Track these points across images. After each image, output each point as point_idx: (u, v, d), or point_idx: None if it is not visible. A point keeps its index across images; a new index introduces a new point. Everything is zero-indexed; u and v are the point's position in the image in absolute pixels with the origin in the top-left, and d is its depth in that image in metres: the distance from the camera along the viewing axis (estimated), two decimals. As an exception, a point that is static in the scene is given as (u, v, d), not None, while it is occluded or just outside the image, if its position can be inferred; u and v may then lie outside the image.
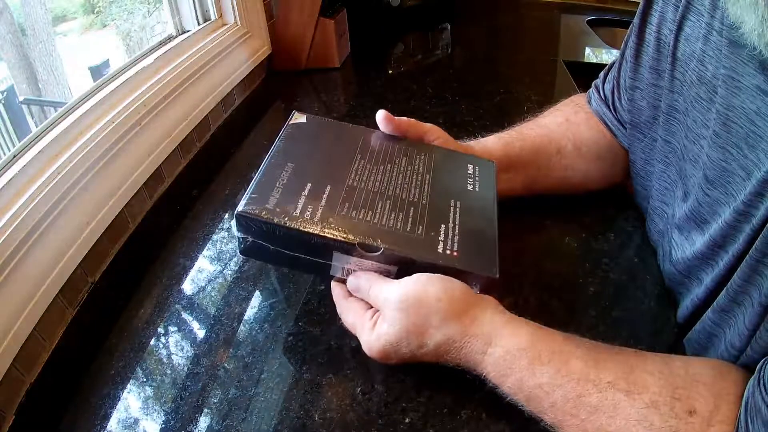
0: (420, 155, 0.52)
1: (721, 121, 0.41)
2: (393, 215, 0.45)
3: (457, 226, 0.46)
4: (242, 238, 0.44)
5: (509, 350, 0.39)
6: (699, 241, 0.46)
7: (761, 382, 0.34)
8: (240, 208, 0.43)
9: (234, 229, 0.44)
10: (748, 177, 0.40)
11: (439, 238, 0.44)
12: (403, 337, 0.41)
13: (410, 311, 0.40)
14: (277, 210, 0.43)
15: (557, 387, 0.38)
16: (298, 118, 0.53)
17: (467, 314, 0.41)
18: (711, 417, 0.34)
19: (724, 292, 0.42)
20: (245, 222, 0.43)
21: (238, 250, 0.47)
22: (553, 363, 0.38)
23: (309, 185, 0.46)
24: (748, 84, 0.39)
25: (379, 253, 0.43)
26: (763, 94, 0.38)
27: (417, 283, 0.41)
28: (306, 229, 0.42)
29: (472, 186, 0.50)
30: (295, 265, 0.47)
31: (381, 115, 0.52)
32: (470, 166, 0.52)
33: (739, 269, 0.40)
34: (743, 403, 0.34)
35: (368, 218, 0.44)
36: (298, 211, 0.43)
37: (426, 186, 0.49)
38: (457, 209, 0.47)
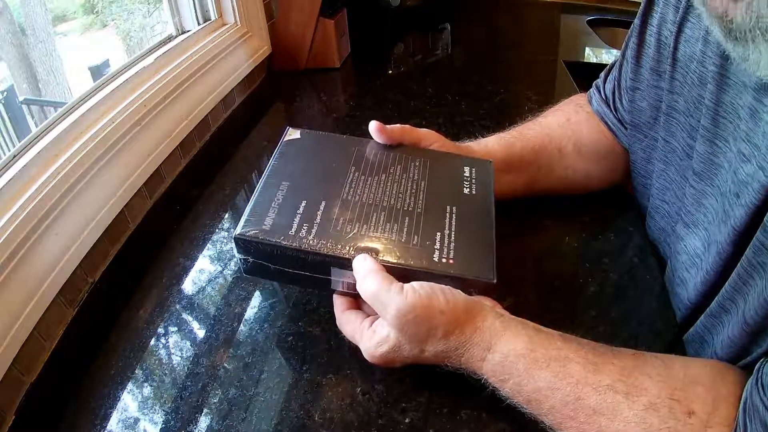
0: (415, 162, 0.52)
1: (711, 116, 0.42)
2: (388, 226, 0.45)
3: (453, 233, 0.46)
4: (243, 259, 0.45)
5: (507, 355, 0.39)
6: (688, 238, 0.47)
7: (759, 382, 0.34)
8: (237, 231, 0.44)
9: (234, 251, 0.45)
10: (733, 171, 0.41)
11: (435, 247, 0.44)
12: (405, 343, 0.41)
13: (414, 323, 0.40)
14: (273, 230, 0.44)
15: (556, 390, 0.38)
16: (292, 134, 0.54)
17: (469, 325, 0.41)
18: (709, 418, 0.34)
19: (716, 297, 0.42)
20: (243, 244, 0.44)
21: (242, 270, 0.47)
22: (551, 367, 0.38)
23: (304, 203, 0.46)
24: (736, 80, 0.40)
25: None
26: (746, 88, 0.39)
27: (421, 296, 0.40)
28: (302, 248, 0.43)
29: (468, 189, 0.50)
30: (297, 282, 0.48)
31: (373, 126, 0.52)
32: (466, 169, 0.52)
33: (730, 277, 0.40)
34: (741, 404, 0.34)
35: (363, 231, 0.44)
36: (293, 230, 0.44)
37: (421, 194, 0.49)
38: (453, 215, 0.47)
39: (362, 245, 0.43)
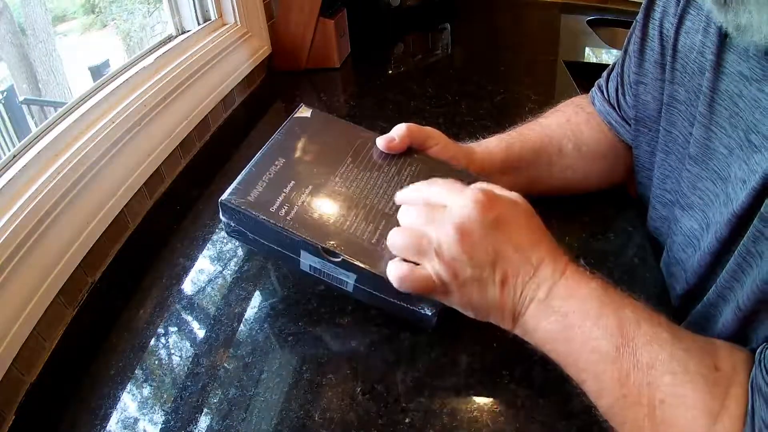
0: (410, 167, 0.51)
1: (707, 103, 0.44)
2: (363, 225, 0.45)
3: None
4: (226, 222, 0.48)
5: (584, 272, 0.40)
6: (684, 220, 0.48)
7: (762, 363, 0.35)
8: (224, 196, 0.46)
9: (220, 213, 0.47)
10: (730, 154, 0.42)
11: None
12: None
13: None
14: (256, 204, 0.45)
15: (623, 308, 0.38)
16: (304, 111, 0.54)
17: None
18: (732, 378, 0.35)
19: (714, 285, 0.43)
20: (227, 210, 0.46)
21: (225, 231, 0.49)
22: (621, 301, 0.39)
23: (292, 183, 0.47)
24: (732, 70, 0.42)
25: (338, 260, 0.44)
26: (745, 79, 0.40)
27: None
28: (278, 226, 0.44)
29: None
30: (270, 254, 0.49)
31: (381, 144, 0.51)
32: None
33: (728, 265, 0.41)
34: (749, 384, 0.35)
35: (339, 223, 0.45)
36: (275, 207, 0.45)
37: None
38: None
39: (334, 237, 0.44)
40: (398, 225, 0.44)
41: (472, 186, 0.42)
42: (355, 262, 0.43)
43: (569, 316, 0.39)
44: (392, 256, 0.43)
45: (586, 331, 0.38)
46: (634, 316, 0.38)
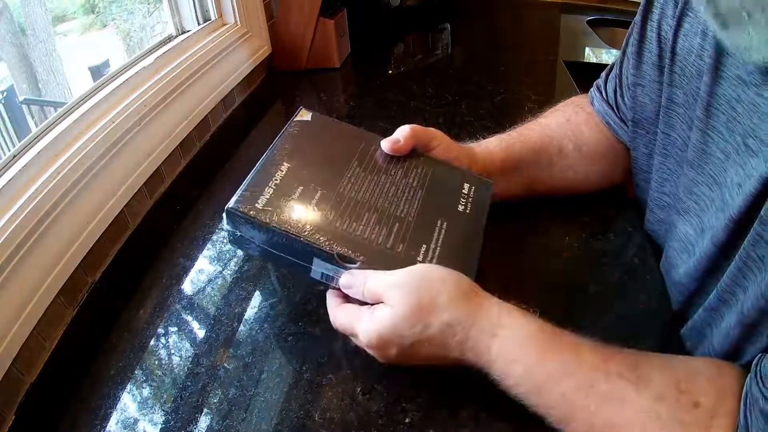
0: (417, 169, 0.51)
1: (704, 107, 0.44)
2: (377, 229, 0.45)
3: (438, 248, 0.45)
4: (231, 231, 0.46)
5: (519, 335, 0.39)
6: (680, 225, 0.48)
7: (758, 375, 0.34)
8: (230, 204, 0.44)
9: (224, 221, 0.45)
10: (726, 159, 0.42)
11: (418, 258, 0.44)
12: (408, 317, 0.39)
13: (416, 290, 0.40)
14: (265, 210, 0.44)
15: (568, 375, 0.37)
16: (304, 115, 0.54)
17: (474, 299, 0.41)
18: (714, 410, 0.35)
19: (715, 290, 0.43)
20: (234, 218, 0.44)
21: (227, 240, 0.48)
22: (563, 352, 0.38)
23: (300, 188, 0.46)
24: (730, 73, 0.41)
25: (355, 265, 0.43)
26: (743, 83, 0.40)
27: (420, 267, 0.42)
28: (290, 233, 0.43)
29: (463, 207, 0.50)
30: (278, 263, 0.48)
31: (386, 146, 0.51)
32: (466, 186, 0.52)
33: (728, 269, 0.41)
34: (742, 397, 0.35)
35: (352, 229, 0.44)
36: (285, 214, 0.44)
37: (416, 202, 0.48)
38: (443, 230, 0.47)
39: (349, 242, 0.44)
40: (411, 228, 0.46)
41: (364, 330, 0.41)
42: (374, 268, 0.43)
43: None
44: (409, 260, 0.43)
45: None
46: (586, 374, 0.37)
